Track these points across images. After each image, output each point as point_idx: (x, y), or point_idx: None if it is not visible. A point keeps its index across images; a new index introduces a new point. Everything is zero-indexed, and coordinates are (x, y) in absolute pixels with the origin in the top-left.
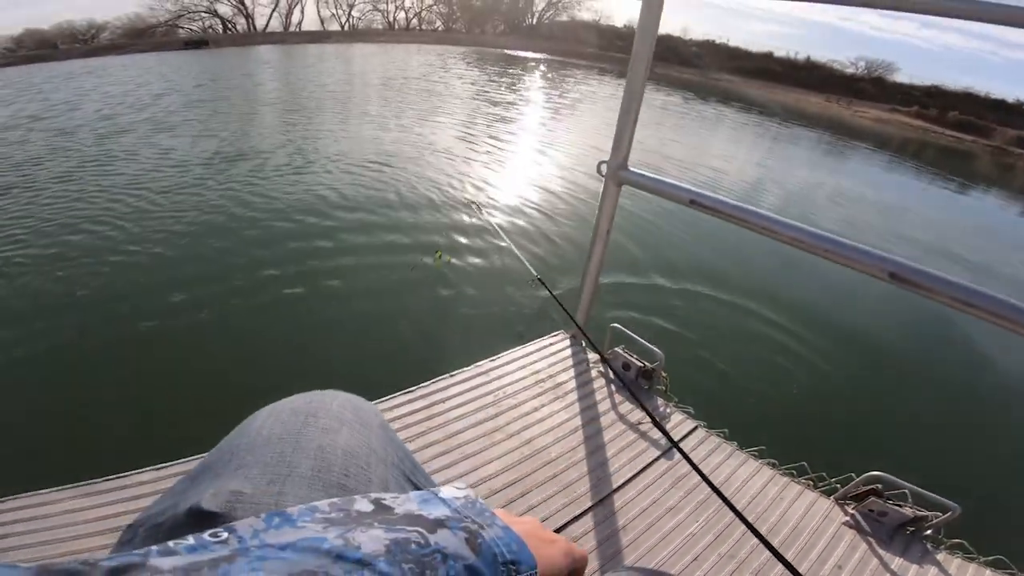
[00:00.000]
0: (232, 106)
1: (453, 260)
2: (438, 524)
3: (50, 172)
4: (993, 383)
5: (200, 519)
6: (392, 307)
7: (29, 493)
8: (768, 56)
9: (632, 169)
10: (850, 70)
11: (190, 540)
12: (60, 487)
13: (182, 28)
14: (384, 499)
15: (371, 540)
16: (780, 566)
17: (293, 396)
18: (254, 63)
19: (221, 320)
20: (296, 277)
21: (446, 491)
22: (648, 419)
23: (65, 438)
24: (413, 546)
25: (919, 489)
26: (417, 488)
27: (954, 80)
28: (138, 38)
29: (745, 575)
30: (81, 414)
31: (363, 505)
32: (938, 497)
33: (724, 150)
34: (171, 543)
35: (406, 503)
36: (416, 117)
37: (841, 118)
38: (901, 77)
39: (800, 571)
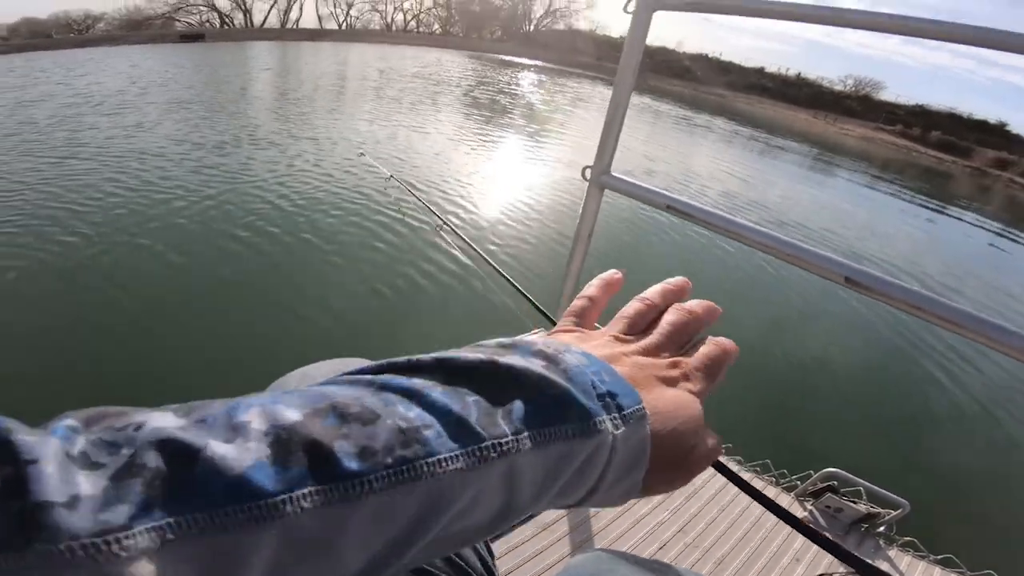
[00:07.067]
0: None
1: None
2: (503, 347)
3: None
4: (943, 386)
5: None
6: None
7: None
8: (760, 71)
9: (615, 175)
10: (839, 87)
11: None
12: None
13: (179, 21)
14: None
15: (424, 376)
16: (740, 558)
17: (322, 361)
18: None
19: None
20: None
21: None
22: None
23: None
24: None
25: (872, 486)
26: None
27: (938, 99)
28: (134, 30)
29: (708, 564)
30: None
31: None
32: (890, 494)
33: (710, 162)
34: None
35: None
36: (405, 114)
37: (826, 135)
38: (887, 95)
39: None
